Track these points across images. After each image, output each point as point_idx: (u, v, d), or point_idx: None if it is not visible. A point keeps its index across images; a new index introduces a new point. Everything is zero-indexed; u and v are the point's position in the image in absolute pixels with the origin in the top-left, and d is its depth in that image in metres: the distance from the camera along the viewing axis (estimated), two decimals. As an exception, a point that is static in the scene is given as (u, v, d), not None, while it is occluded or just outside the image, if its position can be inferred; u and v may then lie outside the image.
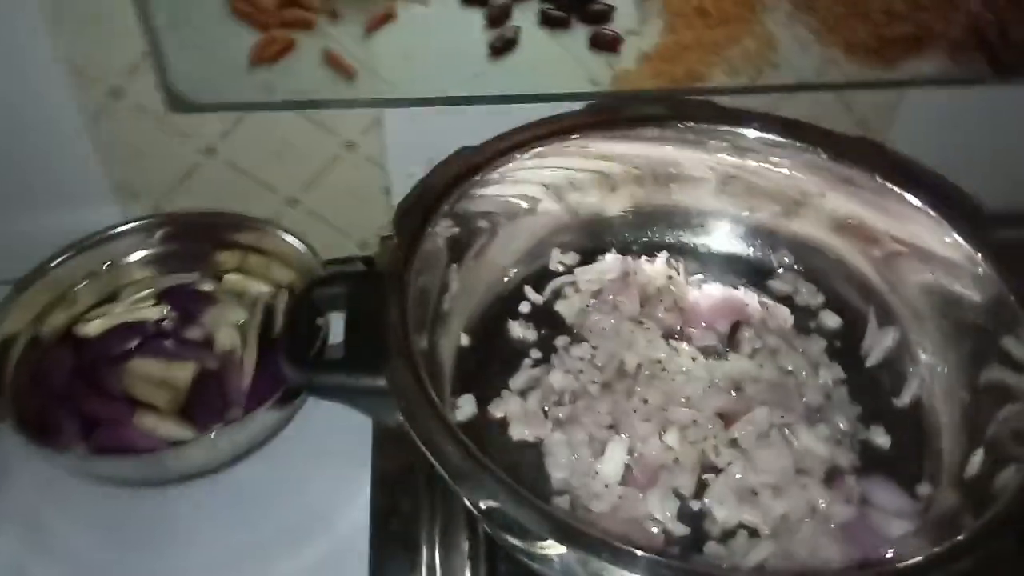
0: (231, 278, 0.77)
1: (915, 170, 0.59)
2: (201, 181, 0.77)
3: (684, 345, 0.58)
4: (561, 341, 0.60)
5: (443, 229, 0.55)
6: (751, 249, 0.66)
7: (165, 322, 0.74)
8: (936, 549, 0.39)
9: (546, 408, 0.55)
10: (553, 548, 0.39)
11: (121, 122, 0.72)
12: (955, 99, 0.78)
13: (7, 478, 0.67)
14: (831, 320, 0.63)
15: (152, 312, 0.74)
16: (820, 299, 0.63)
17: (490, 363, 0.58)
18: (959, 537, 0.40)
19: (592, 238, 0.65)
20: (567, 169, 0.62)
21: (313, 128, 0.74)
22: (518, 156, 0.59)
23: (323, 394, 0.47)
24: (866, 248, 0.61)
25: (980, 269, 0.53)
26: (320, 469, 0.67)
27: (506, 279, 0.62)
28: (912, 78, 0.76)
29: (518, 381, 0.57)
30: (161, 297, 0.75)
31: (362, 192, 0.79)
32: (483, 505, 0.38)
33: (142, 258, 0.77)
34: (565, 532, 0.39)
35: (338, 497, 0.66)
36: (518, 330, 0.61)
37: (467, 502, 0.40)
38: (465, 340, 0.58)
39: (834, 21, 0.72)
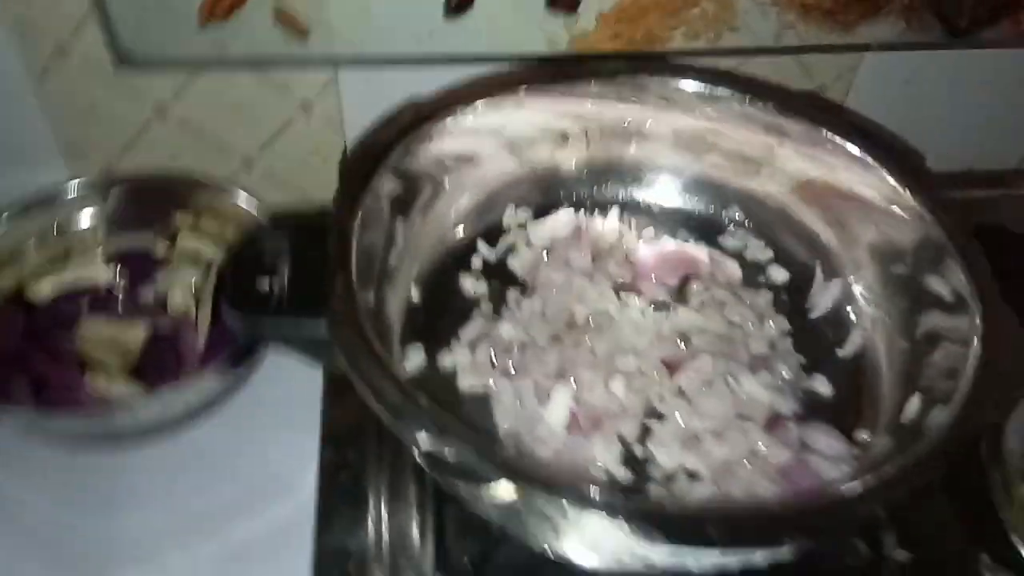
0: (184, 240, 0.76)
1: (860, 123, 0.59)
2: (153, 141, 0.76)
3: (634, 298, 0.59)
4: (512, 295, 0.60)
5: (390, 181, 0.54)
6: (702, 205, 0.67)
7: (117, 284, 0.73)
8: (868, 479, 0.40)
9: (495, 359, 0.55)
10: (497, 487, 0.39)
11: (68, 80, 0.71)
12: (911, 63, 0.79)
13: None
14: (779, 274, 0.63)
15: (104, 274, 0.74)
16: (769, 254, 0.64)
17: (440, 316, 0.58)
18: (889, 470, 0.40)
19: (545, 193, 0.65)
20: (519, 123, 0.62)
21: (267, 88, 0.73)
22: (469, 108, 0.59)
23: (267, 340, 0.47)
24: (814, 202, 0.62)
25: (919, 217, 0.54)
26: (276, 432, 0.67)
27: (458, 234, 0.62)
28: (868, 43, 0.76)
29: (468, 333, 0.57)
30: (113, 259, 0.75)
31: (319, 153, 0.79)
32: (424, 447, 0.38)
33: (93, 219, 0.76)
34: (508, 468, 0.39)
35: (294, 460, 0.65)
36: (469, 284, 0.61)
37: (411, 446, 0.41)
38: (415, 294, 0.58)
39: (791, -17, 0.73)
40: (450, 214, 0.61)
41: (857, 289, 0.60)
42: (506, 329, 0.56)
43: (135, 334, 0.69)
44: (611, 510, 0.37)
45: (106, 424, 0.63)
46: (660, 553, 0.40)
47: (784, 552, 0.41)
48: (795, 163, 0.61)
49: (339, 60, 0.72)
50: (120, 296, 0.72)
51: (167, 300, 0.72)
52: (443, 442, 0.38)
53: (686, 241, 0.64)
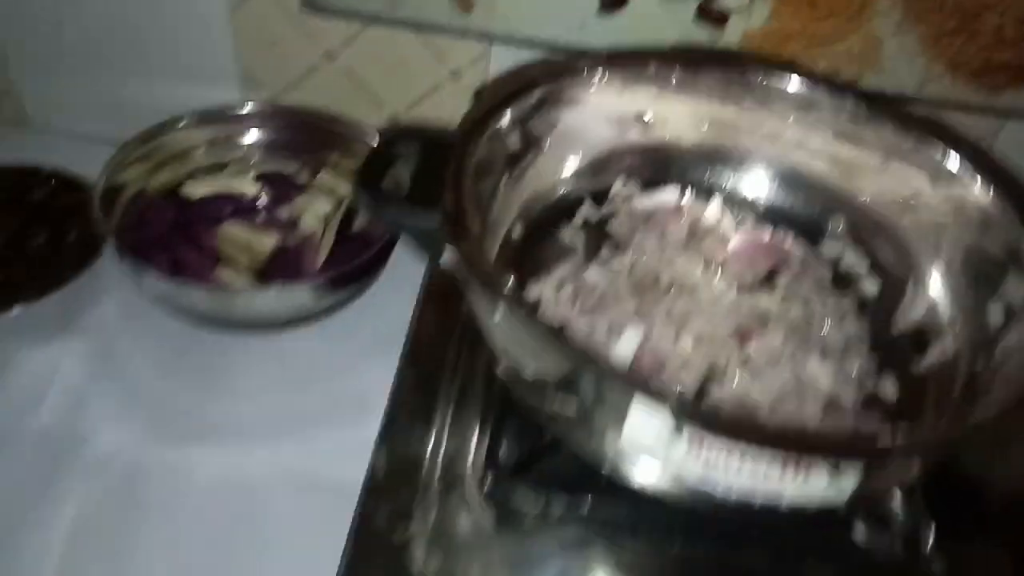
0: (325, 174, 0.84)
1: (982, 154, 0.60)
2: (318, 82, 0.84)
3: (720, 275, 0.61)
4: (605, 250, 0.63)
5: (519, 117, 0.59)
6: (806, 207, 0.68)
7: (260, 199, 0.81)
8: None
9: (576, 299, 0.58)
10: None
11: (258, 15, 0.80)
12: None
13: (96, 302, 0.74)
14: (870, 286, 0.64)
15: (251, 187, 0.82)
16: (863, 265, 0.65)
17: (535, 255, 0.62)
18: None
19: (656, 170, 0.68)
20: (646, 97, 0.66)
21: (426, 51, 0.80)
22: (605, 76, 0.63)
23: (385, 223, 0.52)
24: (918, 220, 0.63)
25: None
26: (371, 352, 0.72)
27: (567, 188, 0.66)
28: (1014, 108, 0.76)
29: (557, 272, 0.60)
30: (261, 177, 0.83)
31: (457, 121, 0.85)
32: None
33: (253, 140, 0.84)
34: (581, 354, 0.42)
35: (383, 381, 0.67)
36: (568, 234, 0.64)
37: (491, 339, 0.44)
38: (517, 231, 0.62)
39: (943, 36, 0.74)
40: (563, 167, 0.65)
41: (944, 309, 0.60)
42: (593, 275, 0.59)
43: (266, 242, 0.77)
44: (663, 397, 0.40)
45: (224, 305, 0.70)
46: (695, 466, 0.42)
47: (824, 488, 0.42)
48: (906, 180, 0.62)
49: (494, 36, 0.79)
50: (260, 210, 0.80)
51: (299, 220, 0.79)
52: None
53: (782, 236, 0.66)
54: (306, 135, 0.84)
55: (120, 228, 0.74)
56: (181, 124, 0.81)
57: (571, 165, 0.66)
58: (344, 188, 0.83)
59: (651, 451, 0.43)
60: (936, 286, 0.61)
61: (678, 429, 0.41)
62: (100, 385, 0.68)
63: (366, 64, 0.83)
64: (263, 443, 0.66)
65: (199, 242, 0.76)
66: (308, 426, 0.67)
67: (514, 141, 0.60)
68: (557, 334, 0.43)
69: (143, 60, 0.85)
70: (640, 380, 0.41)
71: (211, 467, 0.63)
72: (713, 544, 0.52)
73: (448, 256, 0.48)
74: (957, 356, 0.56)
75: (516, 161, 0.61)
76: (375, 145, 0.58)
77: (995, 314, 0.55)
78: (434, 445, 0.56)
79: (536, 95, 0.61)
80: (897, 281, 0.63)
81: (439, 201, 0.50)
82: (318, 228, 0.78)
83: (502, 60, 0.80)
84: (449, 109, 0.84)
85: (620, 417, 0.43)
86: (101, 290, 0.75)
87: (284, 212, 0.81)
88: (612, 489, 0.50)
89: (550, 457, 0.53)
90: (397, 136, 0.55)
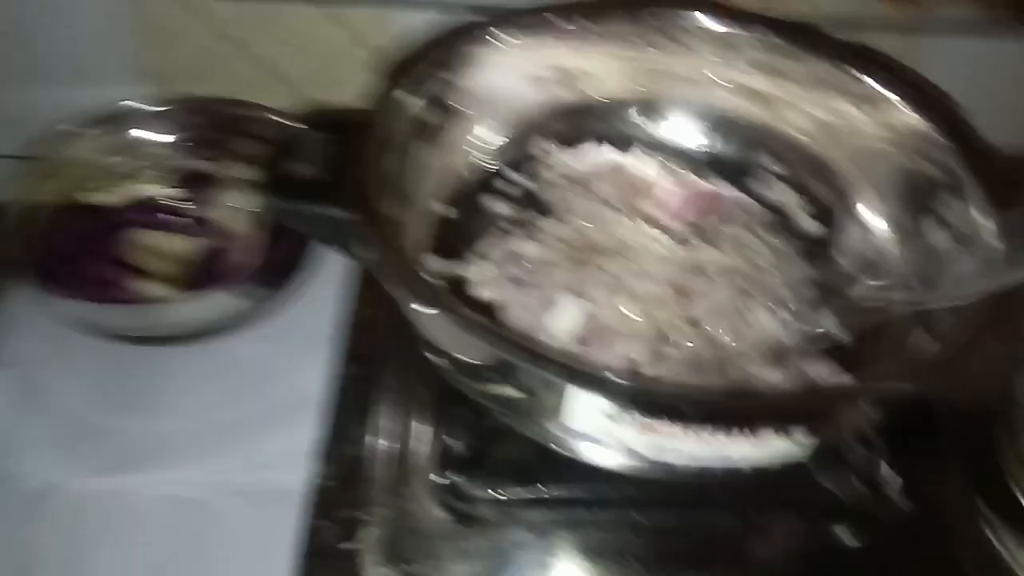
0: (243, 167, 0.80)
1: (893, 65, 0.58)
2: (219, 69, 0.80)
3: (655, 230, 0.59)
4: (533, 217, 0.61)
5: (427, 87, 0.57)
6: (730, 148, 0.66)
7: (177, 201, 0.77)
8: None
9: (510, 273, 0.56)
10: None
11: (151, 2, 0.75)
12: (980, 50, 0.77)
13: (11, 333, 0.70)
14: (804, 221, 0.63)
15: (164, 189, 0.78)
16: (801, 203, 0.63)
17: (458, 230, 0.60)
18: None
19: (579, 127, 0.66)
20: (556, 52, 0.63)
21: (324, 20, 0.76)
22: (513, 34, 0.60)
23: (295, 222, 0.50)
24: (839, 145, 0.62)
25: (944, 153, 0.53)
26: (307, 352, 0.68)
27: (489, 157, 0.63)
28: (937, 24, 0.75)
29: (485, 247, 0.58)
30: (175, 177, 0.79)
31: (365, 93, 0.81)
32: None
33: (160, 139, 0.80)
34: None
35: (322, 380, 0.65)
36: (491, 203, 0.62)
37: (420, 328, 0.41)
38: (437, 207, 0.60)
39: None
40: (482, 135, 0.63)
41: (882, 235, 0.59)
42: (522, 246, 0.57)
43: (186, 247, 0.73)
44: (598, 381, 0.38)
45: (147, 320, 0.67)
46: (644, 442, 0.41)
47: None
48: (825, 106, 0.61)
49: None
50: (178, 213, 0.76)
51: (221, 220, 0.75)
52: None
53: (712, 182, 0.64)
54: (215, 127, 0.80)
55: (29, 249, 0.70)
56: (81, 130, 0.76)
57: (490, 132, 0.63)
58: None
59: (598, 433, 0.42)
60: (874, 216, 0.59)
61: (622, 411, 0.39)
62: (28, 419, 0.65)
63: (265, 42, 0.79)
64: (205, 458, 0.62)
65: (114, 255, 0.72)
66: (249, 435, 0.64)
67: (425, 113, 0.57)
68: (480, 324, 0.40)
69: (33, 64, 0.80)
70: (574, 364, 0.39)
71: (154, 489, 0.60)
72: (677, 509, 0.51)
73: (359, 249, 0.46)
74: (907, 289, 0.54)
75: (432, 134, 0.58)
76: (274, 139, 0.55)
77: (939, 240, 0.53)
78: (380, 444, 0.54)
79: (443, 62, 0.57)
80: (836, 216, 0.61)
81: (344, 191, 0.47)
82: (245, 226, 0.74)
83: (405, 23, 0.76)
84: (357, 80, 0.80)
85: (560, 404, 0.41)
86: (16, 319, 0.70)
87: (203, 212, 0.77)
88: (569, 468, 0.48)
89: (502, 444, 0.51)
90: (297, 130, 0.52)
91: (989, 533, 0.51)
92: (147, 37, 0.78)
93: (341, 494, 0.51)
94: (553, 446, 0.47)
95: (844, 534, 0.50)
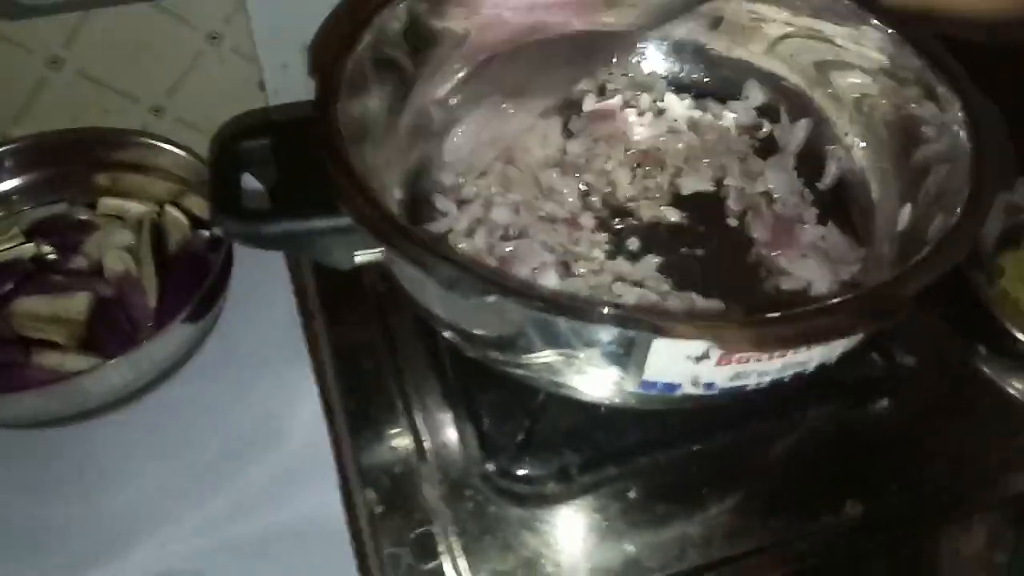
0: (107, 201, 0.71)
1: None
2: (51, 99, 0.69)
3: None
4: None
5: (366, 60, 0.52)
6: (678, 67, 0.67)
7: (43, 256, 0.67)
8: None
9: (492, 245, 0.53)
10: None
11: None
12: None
13: None
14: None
15: (25, 249, 0.67)
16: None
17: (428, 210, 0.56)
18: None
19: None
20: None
21: (169, 21, 0.68)
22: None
23: (268, 245, 0.44)
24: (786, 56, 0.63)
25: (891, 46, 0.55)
26: (255, 372, 0.64)
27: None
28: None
29: (462, 223, 0.55)
30: (31, 231, 0.68)
31: (234, 90, 0.74)
32: (488, 299, 0.37)
33: (3, 190, 0.69)
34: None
35: (284, 393, 0.62)
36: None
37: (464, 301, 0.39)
38: (398, 193, 0.56)
39: None
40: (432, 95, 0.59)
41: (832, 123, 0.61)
42: (500, 214, 0.55)
43: (77, 304, 0.64)
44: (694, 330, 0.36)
45: (68, 399, 0.58)
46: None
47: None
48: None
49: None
50: (50, 269, 0.66)
51: (102, 265, 0.66)
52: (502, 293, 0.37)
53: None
54: (64, 164, 0.70)
55: None
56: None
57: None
58: (135, 208, 0.71)
59: (675, 377, 0.41)
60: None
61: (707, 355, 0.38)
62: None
63: (103, 59, 0.69)
64: (184, 521, 0.56)
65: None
66: (222, 482, 0.58)
67: (373, 89, 0.52)
68: (564, 298, 0.38)
69: None
70: (660, 315, 0.37)
71: (145, 568, 0.54)
72: (730, 430, 0.51)
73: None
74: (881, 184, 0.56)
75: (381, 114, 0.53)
76: (213, 155, 0.48)
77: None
78: (411, 453, 0.50)
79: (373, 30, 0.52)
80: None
81: (326, 199, 0.42)
82: (129, 265, 0.66)
83: (261, 5, 0.69)
84: (219, 79, 0.73)
85: (641, 360, 0.39)
86: None
87: (79, 261, 0.67)
88: (616, 422, 0.47)
89: (542, 418, 0.49)
90: (232, 140, 0.46)
91: (986, 368, 0.56)
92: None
93: (399, 516, 0.47)
94: (606, 403, 0.45)
95: (878, 406, 0.53)
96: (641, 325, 0.37)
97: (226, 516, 0.56)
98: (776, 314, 0.37)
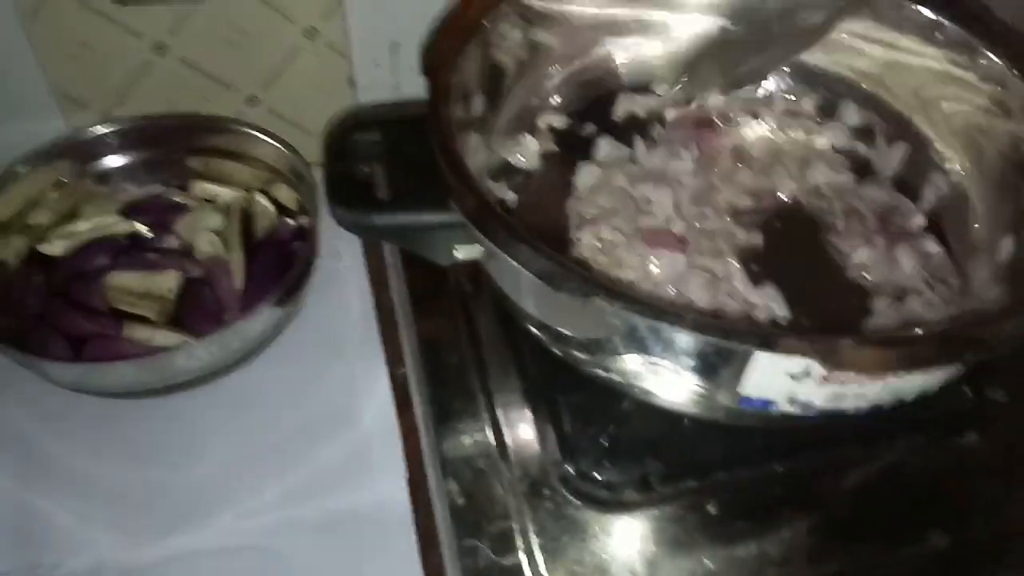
0: (200, 185, 0.73)
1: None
2: (153, 84, 0.71)
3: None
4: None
5: (475, 63, 0.53)
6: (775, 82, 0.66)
7: (137, 235, 0.69)
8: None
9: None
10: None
11: (63, 18, 0.66)
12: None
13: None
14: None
15: (121, 226, 0.69)
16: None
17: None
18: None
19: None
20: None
21: (271, 14, 0.70)
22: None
23: (376, 236, 0.45)
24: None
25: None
26: (332, 361, 0.65)
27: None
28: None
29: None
30: (127, 209, 0.70)
31: (325, 85, 0.76)
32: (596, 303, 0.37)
33: (102, 169, 0.71)
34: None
35: (355, 388, 0.64)
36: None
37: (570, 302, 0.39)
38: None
39: None
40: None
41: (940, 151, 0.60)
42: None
43: (167, 282, 0.66)
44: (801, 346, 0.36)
45: (158, 372, 0.60)
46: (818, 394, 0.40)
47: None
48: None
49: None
50: (143, 247, 0.68)
51: (193, 247, 0.68)
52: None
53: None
54: (161, 147, 0.72)
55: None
56: (12, 175, 0.66)
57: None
58: (226, 193, 0.72)
59: (772, 394, 0.41)
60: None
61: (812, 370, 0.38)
62: (46, 497, 0.57)
63: (205, 47, 0.71)
64: (254, 499, 0.58)
65: (88, 305, 0.64)
66: (293, 463, 0.59)
67: (482, 87, 0.53)
68: (671, 310, 0.38)
69: None
70: (769, 330, 0.37)
71: (212, 543, 0.55)
72: (812, 452, 0.51)
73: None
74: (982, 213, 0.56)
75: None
76: (329, 147, 0.49)
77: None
78: (493, 447, 0.51)
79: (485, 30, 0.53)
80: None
81: (437, 198, 0.43)
82: (218, 248, 0.68)
83: (359, 4, 0.70)
84: (312, 74, 0.74)
85: (738, 374, 0.39)
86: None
87: (171, 241, 0.69)
88: (701, 435, 0.47)
89: (626, 424, 0.49)
90: (346, 133, 0.47)
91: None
92: (70, 60, 0.68)
93: (478, 509, 0.48)
94: (694, 412, 0.45)
95: (967, 439, 0.52)
96: (748, 338, 0.37)
97: (295, 497, 0.58)
98: (892, 336, 0.37)
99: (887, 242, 0.54)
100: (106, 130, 0.70)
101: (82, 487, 0.58)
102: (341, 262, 0.71)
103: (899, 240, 0.54)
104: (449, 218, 0.43)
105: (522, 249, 0.39)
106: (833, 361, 0.36)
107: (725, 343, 0.37)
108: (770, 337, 0.37)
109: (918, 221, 0.58)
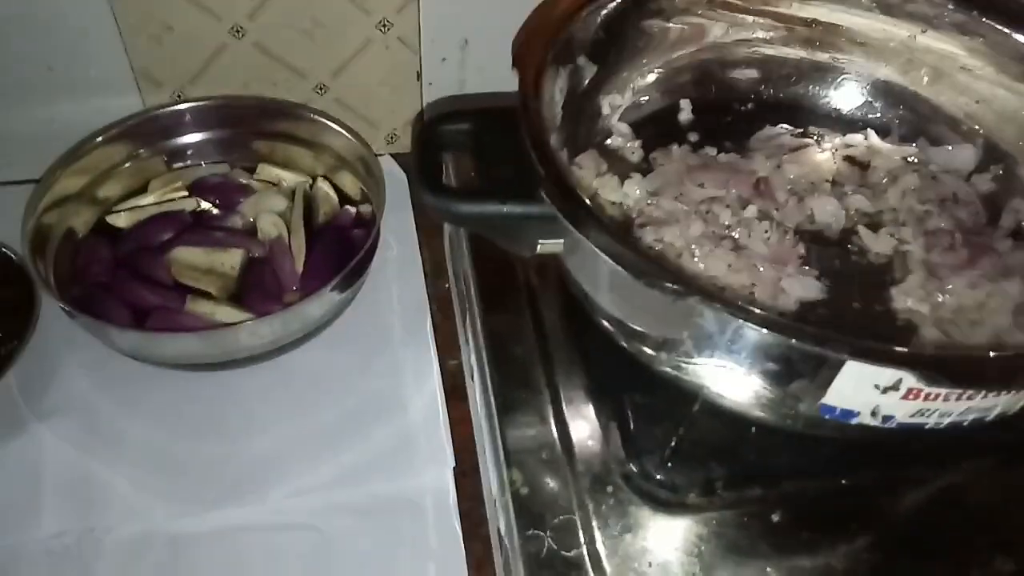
0: (265, 167, 0.74)
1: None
2: (225, 66, 0.72)
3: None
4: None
5: (565, 61, 0.53)
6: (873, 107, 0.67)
7: (201, 211, 0.70)
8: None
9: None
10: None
11: (149, 1, 0.67)
12: None
13: (58, 371, 0.62)
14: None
15: (187, 202, 0.70)
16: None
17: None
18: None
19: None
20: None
21: (347, 5, 0.70)
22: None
23: (462, 222, 0.45)
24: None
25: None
26: (385, 348, 0.66)
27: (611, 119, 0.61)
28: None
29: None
30: (192, 188, 0.71)
31: (393, 78, 0.76)
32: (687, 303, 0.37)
33: (172, 147, 0.72)
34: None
35: (404, 375, 0.64)
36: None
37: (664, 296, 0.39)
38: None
39: None
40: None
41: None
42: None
43: (231, 259, 0.66)
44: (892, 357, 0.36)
45: (220, 347, 0.61)
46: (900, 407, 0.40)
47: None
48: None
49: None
50: (208, 225, 0.69)
51: (256, 227, 0.69)
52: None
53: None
54: (231, 128, 0.73)
55: (58, 284, 0.62)
56: (87, 147, 0.67)
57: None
58: (291, 177, 0.73)
59: (857, 404, 0.40)
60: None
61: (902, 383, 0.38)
62: (103, 463, 0.58)
63: (280, 33, 0.71)
64: (305, 478, 0.58)
65: (152, 277, 0.65)
66: (344, 446, 0.60)
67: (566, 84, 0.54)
68: (770, 318, 0.38)
69: (21, 84, 0.69)
70: (862, 341, 0.37)
71: (261, 520, 0.56)
72: (880, 467, 0.50)
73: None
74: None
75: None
76: (417, 141, 0.50)
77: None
78: (559, 443, 0.51)
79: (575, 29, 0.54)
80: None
81: (526, 190, 0.43)
82: (281, 230, 0.68)
83: (432, 3, 0.71)
84: (381, 66, 0.75)
85: (827, 380, 0.39)
86: (53, 360, 0.62)
87: (236, 221, 0.70)
88: (768, 442, 0.47)
89: (694, 428, 0.49)
90: (436, 124, 0.47)
91: None
92: (152, 41, 0.69)
93: (542, 501, 0.48)
94: (768, 418, 0.45)
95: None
96: (840, 347, 0.36)
97: (342, 479, 0.58)
98: (991, 353, 0.36)
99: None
100: (179, 108, 0.71)
101: (139, 455, 0.58)
102: (392, 251, 0.72)
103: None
104: (539, 210, 0.43)
105: (617, 246, 0.39)
106: (953, 376, 0.36)
107: (821, 351, 0.37)
108: (864, 347, 0.36)
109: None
